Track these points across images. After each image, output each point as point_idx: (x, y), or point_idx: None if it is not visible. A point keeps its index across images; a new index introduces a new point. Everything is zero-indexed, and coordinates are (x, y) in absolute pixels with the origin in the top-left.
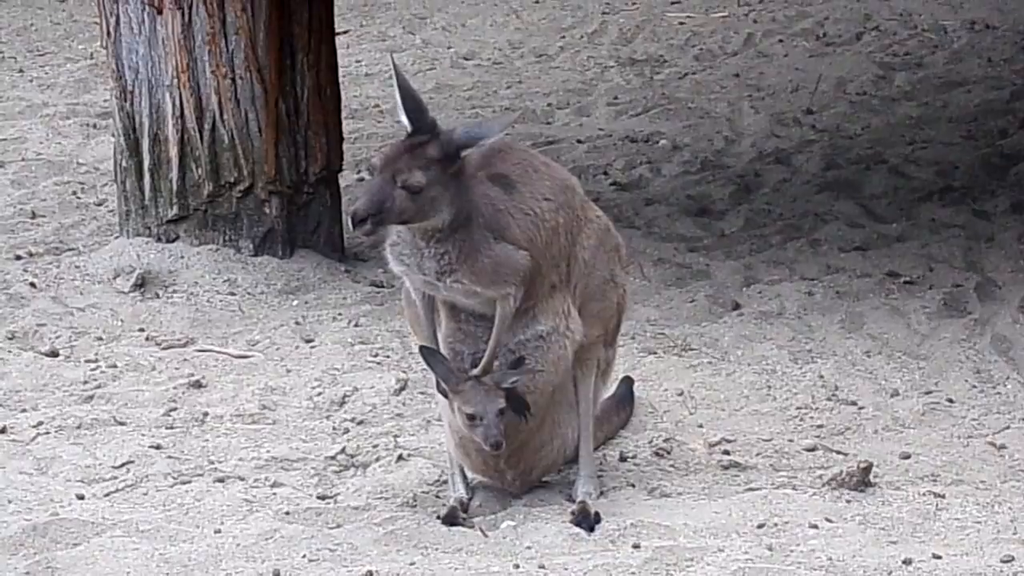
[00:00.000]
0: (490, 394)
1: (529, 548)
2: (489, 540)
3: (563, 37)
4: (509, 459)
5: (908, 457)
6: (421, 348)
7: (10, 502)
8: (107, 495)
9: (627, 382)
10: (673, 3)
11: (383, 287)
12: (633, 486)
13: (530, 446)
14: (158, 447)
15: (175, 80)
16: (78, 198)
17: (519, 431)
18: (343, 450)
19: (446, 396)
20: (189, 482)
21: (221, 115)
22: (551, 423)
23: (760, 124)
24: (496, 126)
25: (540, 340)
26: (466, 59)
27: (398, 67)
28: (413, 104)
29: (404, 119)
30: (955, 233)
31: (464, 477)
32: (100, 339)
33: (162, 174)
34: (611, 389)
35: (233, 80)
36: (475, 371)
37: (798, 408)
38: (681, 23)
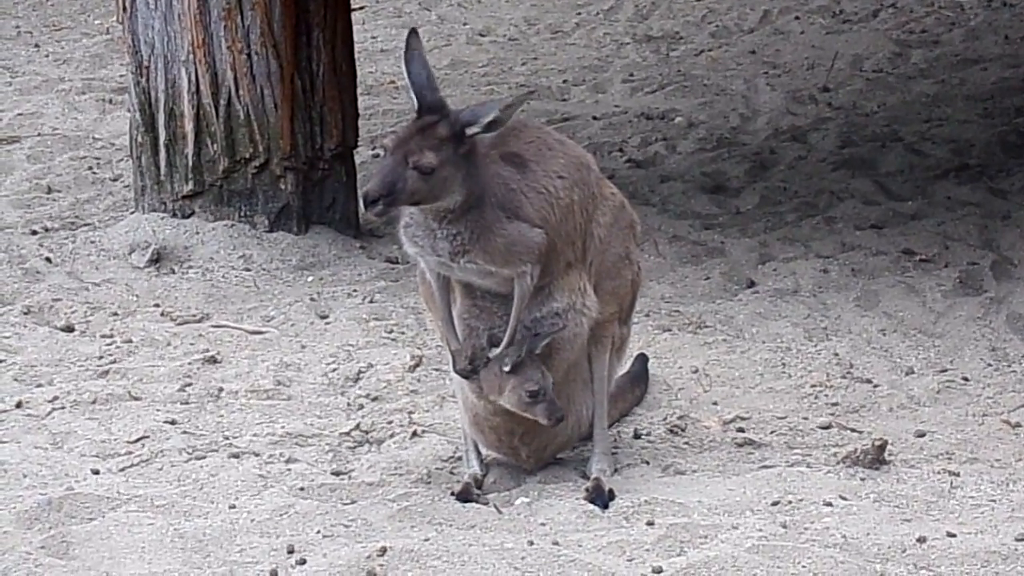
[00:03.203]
0: (541, 368)
1: (543, 525)
2: (503, 517)
3: (579, 14)
4: (524, 436)
5: (923, 435)
6: (457, 364)
7: (25, 476)
8: (122, 470)
9: (642, 359)
10: None
11: (398, 263)
12: (647, 463)
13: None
14: (173, 422)
15: (191, 55)
16: (94, 173)
17: None
18: (357, 426)
19: (466, 377)
20: (204, 457)
21: (237, 91)
22: (565, 400)
23: (776, 101)
24: (496, 104)
25: (556, 317)
26: (481, 35)
27: (413, 43)
28: (423, 82)
29: (413, 97)
30: (971, 211)
31: (478, 453)
32: (115, 314)
33: (178, 149)
34: (626, 366)
35: (249, 56)
36: (496, 351)
37: (813, 386)
38: (697, 0)
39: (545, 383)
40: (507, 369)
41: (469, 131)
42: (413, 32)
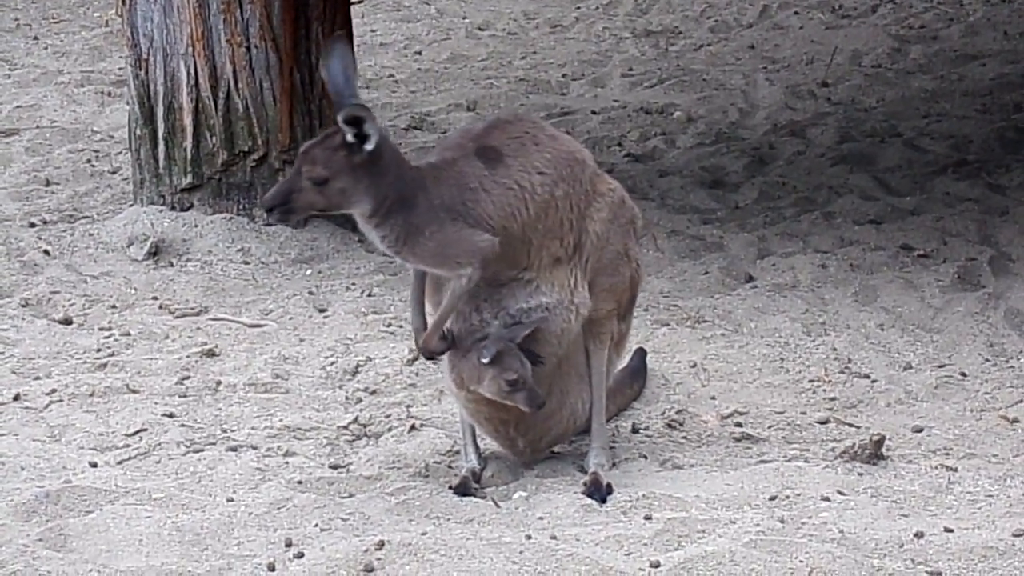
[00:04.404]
0: (520, 357)
1: (541, 519)
2: (501, 510)
3: (578, 8)
4: (517, 426)
5: (921, 430)
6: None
7: (23, 469)
8: (120, 463)
9: (640, 354)
10: None
11: None
12: (645, 457)
13: (538, 414)
14: (171, 415)
15: (190, 48)
16: (92, 166)
17: None
18: (356, 420)
19: (428, 358)
20: (202, 450)
21: (236, 84)
22: (559, 393)
23: (775, 96)
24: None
25: (545, 311)
26: (481, 29)
27: (334, 47)
28: (340, 88)
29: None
30: (969, 207)
31: (476, 447)
32: (114, 307)
33: (176, 142)
34: (624, 361)
35: (248, 49)
36: (421, 340)
37: (811, 381)
38: None
39: (524, 371)
40: (485, 361)
41: (347, 139)
42: (337, 38)
